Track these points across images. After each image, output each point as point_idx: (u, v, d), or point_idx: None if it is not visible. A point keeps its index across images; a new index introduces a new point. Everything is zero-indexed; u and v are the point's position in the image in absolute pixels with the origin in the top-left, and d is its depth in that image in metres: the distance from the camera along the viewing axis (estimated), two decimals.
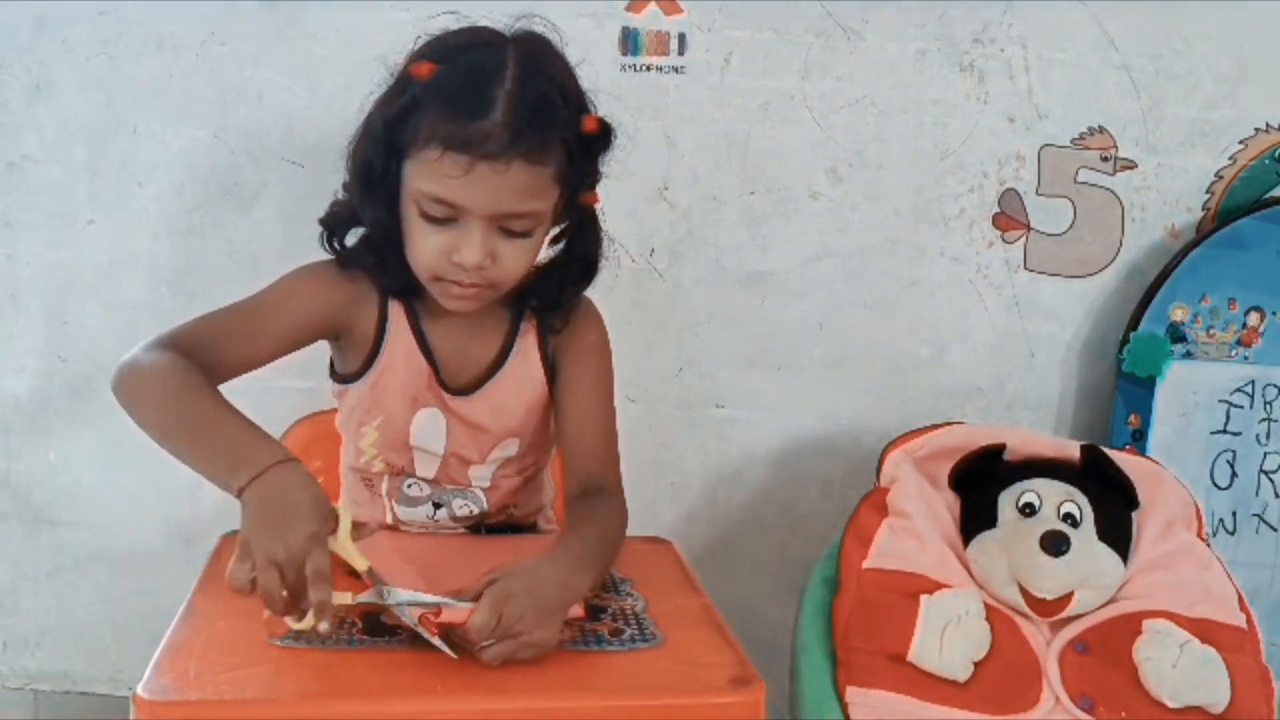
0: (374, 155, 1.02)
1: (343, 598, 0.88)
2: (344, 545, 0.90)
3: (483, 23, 1.04)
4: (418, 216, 1.01)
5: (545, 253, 1.11)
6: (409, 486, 1.18)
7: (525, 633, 0.88)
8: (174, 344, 1.00)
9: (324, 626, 0.85)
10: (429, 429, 1.14)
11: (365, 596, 0.90)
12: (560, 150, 1.00)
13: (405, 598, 0.90)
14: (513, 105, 0.96)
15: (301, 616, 0.86)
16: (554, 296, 1.14)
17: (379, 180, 1.03)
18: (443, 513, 1.19)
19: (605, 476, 1.16)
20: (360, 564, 0.90)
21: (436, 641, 0.88)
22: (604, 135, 1.05)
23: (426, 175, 0.98)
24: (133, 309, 1.57)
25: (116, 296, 1.58)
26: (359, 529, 0.93)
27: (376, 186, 1.03)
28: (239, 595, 0.84)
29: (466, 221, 0.99)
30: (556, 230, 1.10)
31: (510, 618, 0.88)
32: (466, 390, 1.14)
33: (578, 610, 0.99)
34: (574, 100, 1.03)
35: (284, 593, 0.84)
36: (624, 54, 1.54)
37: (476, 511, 1.20)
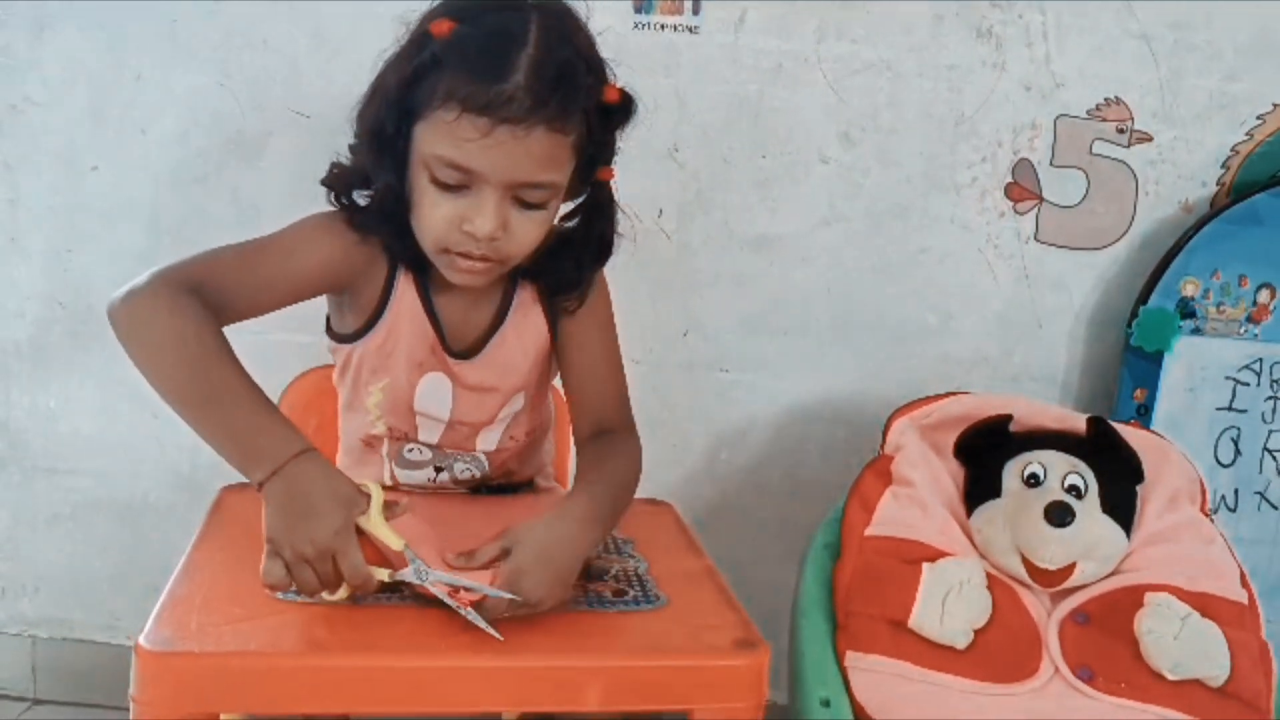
0: (386, 116, 0.97)
1: (379, 573, 0.88)
2: (377, 524, 0.88)
3: None
4: (428, 183, 0.97)
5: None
6: (409, 451, 1.16)
7: (540, 602, 0.90)
8: (187, 284, 0.95)
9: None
10: (434, 395, 1.12)
11: (402, 575, 0.89)
12: (581, 120, 0.97)
13: (442, 578, 0.89)
14: (536, 69, 0.92)
15: (335, 589, 0.88)
16: (570, 276, 1.11)
17: (390, 143, 0.98)
18: (444, 476, 1.18)
19: (616, 415, 1.15)
20: (395, 543, 0.89)
21: (480, 622, 0.87)
22: (625, 107, 1.02)
23: (441, 138, 0.94)
24: (134, 256, 1.56)
25: (118, 243, 1.57)
26: (390, 507, 0.90)
27: (387, 150, 0.99)
28: (275, 591, 0.89)
29: (479, 189, 0.96)
30: (571, 206, 1.08)
31: (525, 593, 0.89)
32: (470, 353, 1.12)
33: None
34: (597, 69, 1.00)
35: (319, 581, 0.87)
36: (637, 11, 1.51)
37: (478, 475, 1.19)
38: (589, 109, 0.98)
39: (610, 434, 1.13)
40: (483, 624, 0.87)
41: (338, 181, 1.06)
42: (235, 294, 0.99)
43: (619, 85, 1.01)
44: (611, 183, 1.09)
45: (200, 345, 0.92)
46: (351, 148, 1.04)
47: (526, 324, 1.13)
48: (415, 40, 0.97)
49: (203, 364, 0.91)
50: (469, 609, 0.87)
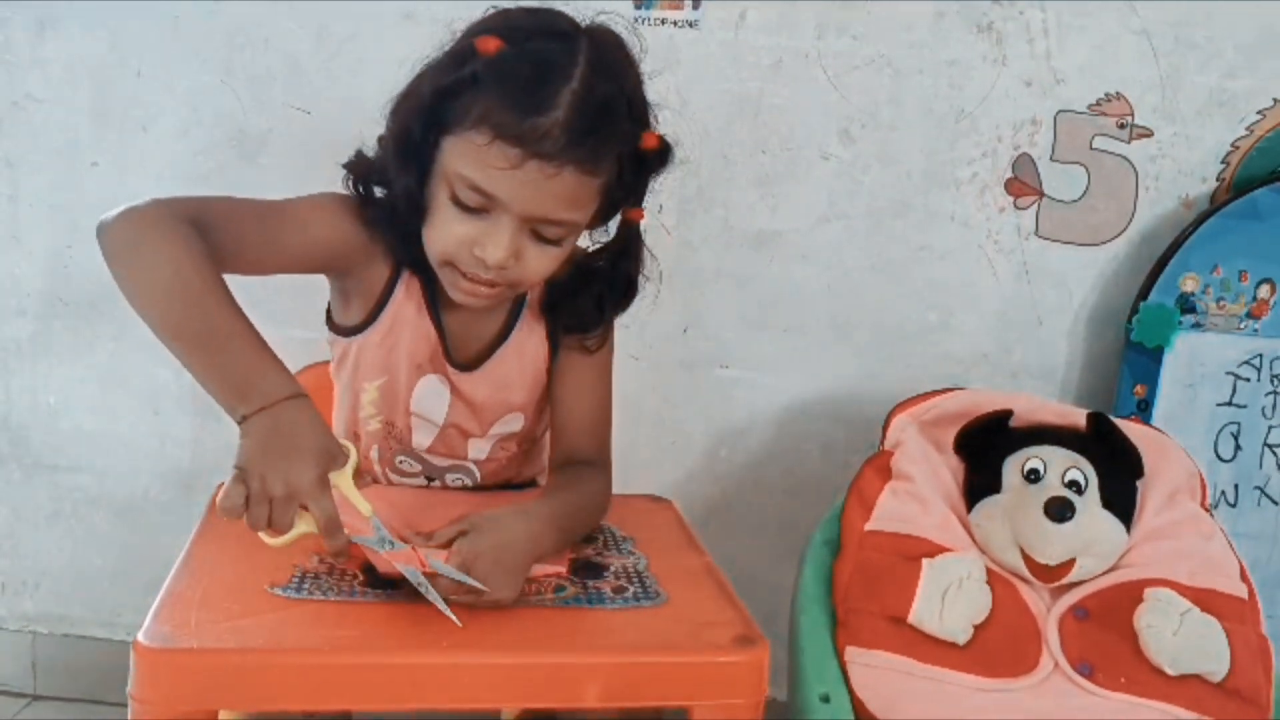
0: (415, 122, 0.96)
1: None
2: (347, 485, 0.89)
3: None
4: (447, 199, 0.96)
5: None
6: (400, 462, 1.16)
7: (489, 591, 0.89)
8: (188, 217, 0.91)
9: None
10: (431, 398, 1.12)
11: (364, 539, 0.89)
12: (613, 162, 0.96)
13: (404, 548, 0.90)
14: (576, 106, 0.91)
15: (278, 535, 0.86)
16: (592, 315, 1.10)
17: (415, 150, 0.97)
18: (435, 484, 1.18)
19: (595, 454, 1.14)
20: (363, 508, 0.89)
21: (440, 605, 0.87)
22: (662, 154, 1.00)
23: (469, 160, 0.93)
24: None
25: None
26: (359, 475, 0.91)
27: (411, 156, 0.97)
28: (227, 518, 0.84)
29: (498, 216, 0.95)
30: (598, 246, 1.08)
31: (476, 576, 0.88)
32: (470, 365, 1.11)
33: (560, 567, 0.99)
34: (638, 112, 0.99)
35: (269, 520, 0.84)
36: (637, 7, 1.52)
37: (470, 484, 1.19)
38: (624, 152, 0.97)
39: (584, 466, 1.12)
40: (440, 603, 0.87)
41: (358, 169, 1.04)
42: (234, 243, 0.95)
43: (659, 133, 0.99)
44: (642, 223, 1.07)
45: (198, 277, 0.89)
46: (380, 140, 1.02)
47: (528, 345, 1.13)
48: (458, 52, 0.96)
49: (200, 299, 0.88)
50: (428, 585, 0.87)
